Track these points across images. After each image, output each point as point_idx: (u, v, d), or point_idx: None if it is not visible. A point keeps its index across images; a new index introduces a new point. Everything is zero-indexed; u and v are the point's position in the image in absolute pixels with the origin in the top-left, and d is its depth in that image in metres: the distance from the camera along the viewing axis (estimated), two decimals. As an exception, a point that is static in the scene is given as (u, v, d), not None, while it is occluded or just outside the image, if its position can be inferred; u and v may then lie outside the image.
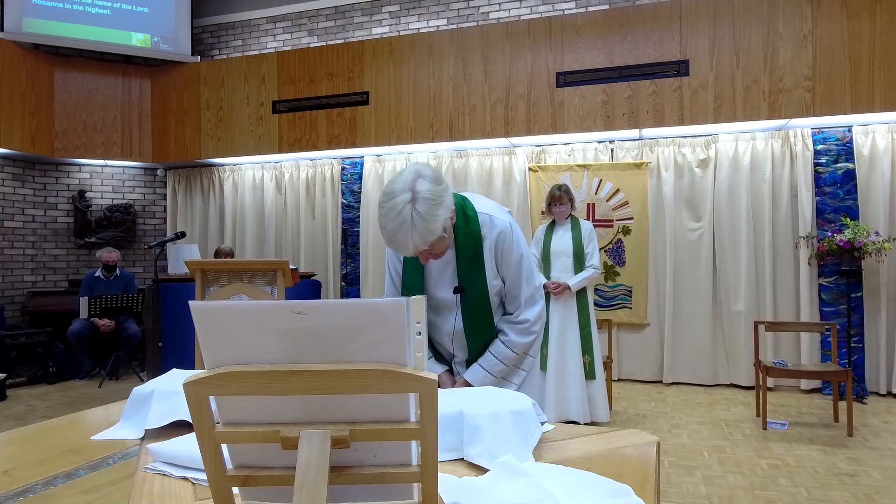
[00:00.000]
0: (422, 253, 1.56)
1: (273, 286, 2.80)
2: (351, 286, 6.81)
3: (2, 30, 6.46)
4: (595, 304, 4.53)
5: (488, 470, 1.05)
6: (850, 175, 5.23)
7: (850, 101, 4.89)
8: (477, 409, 1.18)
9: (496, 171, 6.27)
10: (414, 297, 0.78)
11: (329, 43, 7.00)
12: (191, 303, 0.69)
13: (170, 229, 7.53)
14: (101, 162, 7.20)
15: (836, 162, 5.28)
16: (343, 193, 6.88)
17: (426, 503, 0.74)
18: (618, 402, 4.98)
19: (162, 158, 7.14)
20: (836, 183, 5.27)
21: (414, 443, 0.76)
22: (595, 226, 4.84)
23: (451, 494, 0.91)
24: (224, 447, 0.75)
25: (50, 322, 6.38)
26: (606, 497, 0.93)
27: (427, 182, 1.50)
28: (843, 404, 4.25)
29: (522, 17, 6.29)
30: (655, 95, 5.36)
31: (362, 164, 6.79)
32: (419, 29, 6.70)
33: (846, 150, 5.26)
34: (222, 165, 7.42)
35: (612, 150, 5.93)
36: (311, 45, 6.94)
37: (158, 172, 7.62)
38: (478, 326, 1.80)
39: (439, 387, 0.81)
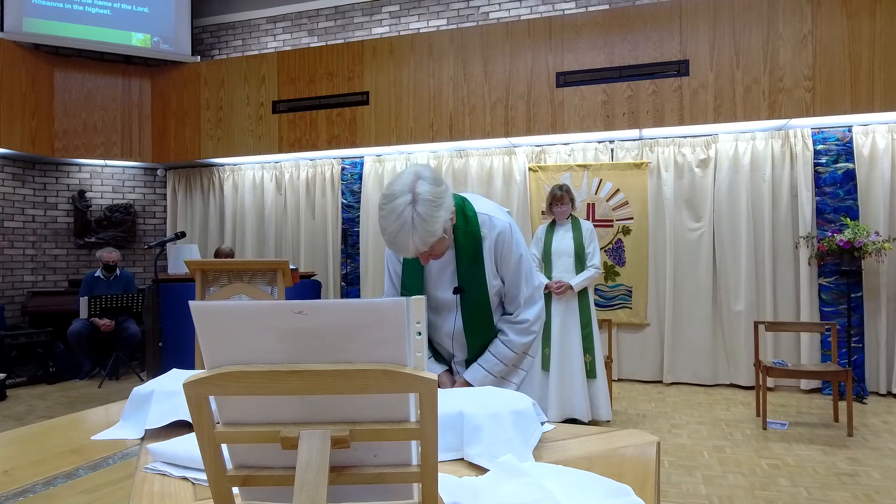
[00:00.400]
0: (422, 254, 1.56)
1: (273, 286, 2.80)
2: (351, 286, 6.82)
3: (2, 30, 6.46)
4: (595, 304, 4.53)
5: (488, 470, 1.05)
6: (850, 175, 5.23)
7: (850, 101, 4.89)
8: (477, 409, 1.18)
9: (496, 171, 6.27)
10: (414, 297, 0.78)
11: (329, 43, 7.00)
12: (191, 303, 0.69)
13: (170, 229, 7.53)
14: (101, 162, 7.20)
15: (836, 162, 5.28)
16: (343, 193, 6.88)
17: (426, 503, 0.74)
18: (618, 402, 4.98)
19: (162, 158, 7.14)
20: (836, 183, 5.27)
21: (414, 443, 0.76)
22: (595, 226, 4.84)
23: (451, 494, 0.91)
24: (224, 447, 0.75)
25: (50, 322, 6.38)
26: (606, 497, 0.93)
27: (427, 183, 1.50)
28: (843, 404, 4.25)
29: (522, 17, 6.29)
30: (655, 95, 5.36)
31: (362, 164, 6.79)
32: (419, 29, 6.70)
33: (846, 150, 5.26)
34: (222, 165, 7.42)
35: (612, 150, 5.93)
36: (311, 45, 6.94)
37: (158, 172, 7.62)
38: (478, 326, 1.81)
39: (439, 387, 0.81)
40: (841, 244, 4.87)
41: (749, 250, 5.48)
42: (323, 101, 6.45)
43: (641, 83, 5.40)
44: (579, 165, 5.95)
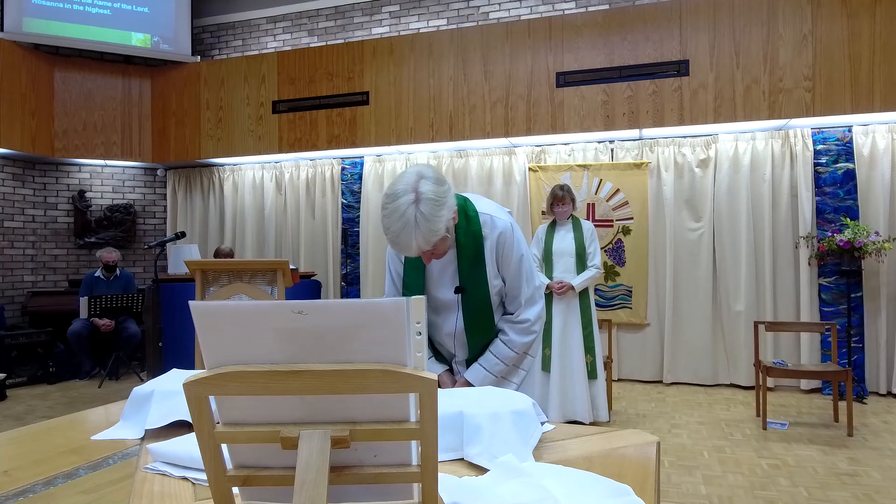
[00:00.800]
0: (424, 253, 1.57)
1: (273, 286, 2.80)
2: (351, 286, 6.81)
3: (2, 30, 6.46)
4: (595, 304, 4.53)
5: (488, 470, 1.05)
6: (850, 175, 5.23)
7: (850, 101, 4.89)
8: (477, 409, 1.18)
9: (496, 171, 6.27)
10: (414, 297, 0.78)
11: (329, 43, 7.00)
12: (191, 303, 0.69)
13: (170, 229, 7.53)
14: (101, 162, 7.20)
15: (836, 162, 5.28)
16: (343, 193, 6.88)
17: (426, 503, 0.74)
18: (618, 402, 4.98)
19: (162, 158, 7.14)
20: (836, 183, 5.27)
21: (414, 443, 0.76)
22: (595, 226, 4.83)
23: (451, 494, 0.91)
24: (224, 447, 0.75)
25: (50, 322, 6.38)
26: (606, 497, 0.93)
27: (430, 183, 1.50)
28: (843, 404, 4.25)
29: (522, 18, 6.29)
30: (655, 95, 5.36)
31: (362, 164, 6.79)
32: (419, 29, 6.70)
33: (846, 150, 5.26)
34: (222, 165, 7.42)
35: (612, 150, 5.93)
36: (311, 45, 6.94)
37: (158, 172, 7.62)
38: (479, 326, 1.81)
39: (439, 387, 0.81)
40: (841, 244, 4.87)
41: (749, 250, 5.48)
42: (323, 101, 6.45)
43: (641, 83, 5.40)
44: (579, 165, 5.95)
